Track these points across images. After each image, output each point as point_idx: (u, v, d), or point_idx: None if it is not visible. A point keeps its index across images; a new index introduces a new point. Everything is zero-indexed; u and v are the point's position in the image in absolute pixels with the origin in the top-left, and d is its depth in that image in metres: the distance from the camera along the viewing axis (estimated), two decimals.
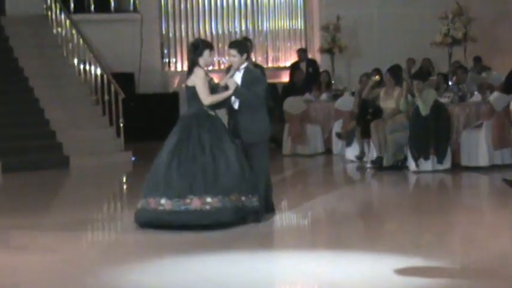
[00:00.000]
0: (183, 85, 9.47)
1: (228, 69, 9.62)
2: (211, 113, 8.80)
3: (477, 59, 17.81)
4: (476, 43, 15.85)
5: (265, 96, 9.15)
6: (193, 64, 8.88)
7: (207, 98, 8.72)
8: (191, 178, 8.46)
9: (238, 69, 9.02)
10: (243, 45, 9.19)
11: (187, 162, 8.52)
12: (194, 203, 8.39)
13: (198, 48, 8.88)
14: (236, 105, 8.97)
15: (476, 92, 13.18)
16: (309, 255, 7.75)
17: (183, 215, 8.40)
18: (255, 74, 9.16)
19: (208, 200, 8.41)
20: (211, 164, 8.50)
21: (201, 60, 8.83)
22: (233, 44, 9.23)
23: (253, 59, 10.56)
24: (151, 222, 8.59)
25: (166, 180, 8.52)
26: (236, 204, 8.46)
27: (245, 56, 9.01)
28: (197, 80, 8.75)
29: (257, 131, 8.95)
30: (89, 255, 7.98)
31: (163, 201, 8.46)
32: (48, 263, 7.57)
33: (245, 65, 9.03)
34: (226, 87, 8.91)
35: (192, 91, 8.83)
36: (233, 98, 8.92)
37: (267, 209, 9.00)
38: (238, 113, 8.97)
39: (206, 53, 8.84)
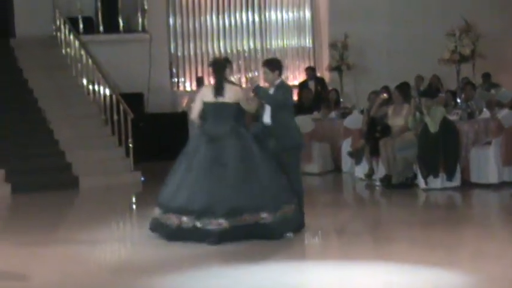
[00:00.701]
0: (206, 100, 9.25)
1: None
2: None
3: (486, 76, 17.79)
4: (485, 60, 15.84)
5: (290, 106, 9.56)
6: (222, 81, 9.11)
7: (255, 107, 9.18)
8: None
9: (271, 85, 9.32)
10: (274, 63, 9.50)
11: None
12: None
13: (224, 64, 9.22)
14: (267, 119, 9.31)
15: (485, 109, 13.17)
16: (319, 272, 7.74)
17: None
18: (285, 85, 9.52)
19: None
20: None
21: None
22: (265, 62, 9.57)
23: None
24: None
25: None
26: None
27: (277, 72, 9.31)
28: (241, 94, 9.07)
29: (290, 137, 9.31)
30: (100, 275, 7.97)
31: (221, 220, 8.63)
32: (55, 284, 7.57)
33: (278, 81, 9.33)
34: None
35: (228, 107, 8.99)
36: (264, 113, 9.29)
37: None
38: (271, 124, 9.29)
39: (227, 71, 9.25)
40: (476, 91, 15.09)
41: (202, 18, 19.21)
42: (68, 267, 8.26)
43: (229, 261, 8.09)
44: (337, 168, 14.91)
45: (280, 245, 8.75)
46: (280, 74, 9.40)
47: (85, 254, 8.96)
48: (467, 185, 12.28)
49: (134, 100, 16.74)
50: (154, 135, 16.94)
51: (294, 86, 18.72)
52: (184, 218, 8.68)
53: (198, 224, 8.62)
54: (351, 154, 14.09)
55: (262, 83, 9.96)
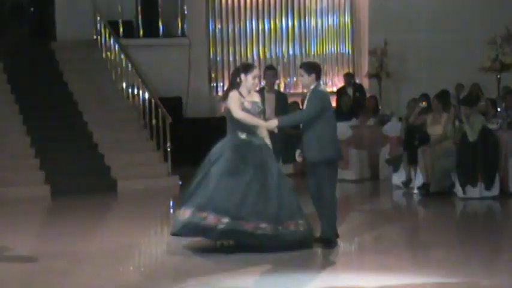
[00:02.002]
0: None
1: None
2: (243, 137, 8.85)
3: None
4: None
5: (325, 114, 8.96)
6: (228, 88, 9.09)
7: (238, 112, 8.76)
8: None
9: (307, 89, 9.10)
10: (311, 65, 9.14)
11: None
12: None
13: (237, 70, 9.04)
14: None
15: None
16: (357, 281, 7.72)
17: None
18: (316, 93, 8.96)
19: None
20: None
21: (243, 85, 8.84)
22: (302, 64, 9.29)
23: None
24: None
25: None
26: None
27: (313, 76, 8.92)
28: (229, 100, 8.86)
29: (317, 149, 8.88)
30: (136, 279, 8.00)
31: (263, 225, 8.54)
32: (93, 287, 7.62)
33: (314, 85, 8.94)
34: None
35: (227, 114, 9.00)
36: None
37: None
38: (303, 132, 9.03)
39: (241, 77, 8.84)
40: None
41: (242, 24, 19.23)
42: (105, 271, 8.32)
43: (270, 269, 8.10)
44: (375, 176, 14.85)
45: (315, 253, 8.74)
46: (317, 78, 8.95)
47: (123, 257, 9.02)
48: (506, 195, 12.17)
49: (173, 104, 16.80)
50: (192, 140, 16.95)
51: (332, 93, 18.75)
52: (263, 225, 8.57)
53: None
54: (388, 161, 14.03)
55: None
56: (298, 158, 9.03)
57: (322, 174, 8.87)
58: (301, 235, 8.68)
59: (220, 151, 8.90)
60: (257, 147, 8.77)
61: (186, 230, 8.66)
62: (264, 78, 11.13)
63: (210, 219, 8.49)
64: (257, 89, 9.33)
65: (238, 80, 8.88)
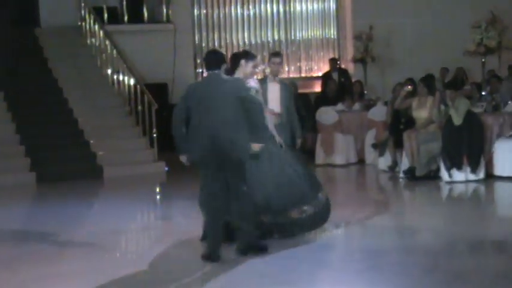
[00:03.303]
0: None
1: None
2: None
3: None
4: (511, 52, 15.73)
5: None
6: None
7: None
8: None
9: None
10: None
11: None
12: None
13: (231, 61, 8.75)
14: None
15: (510, 102, 13.08)
16: (343, 267, 7.74)
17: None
18: None
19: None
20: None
21: (239, 71, 8.63)
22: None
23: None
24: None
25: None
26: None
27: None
28: None
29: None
30: (123, 265, 8.01)
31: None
32: (80, 272, 7.62)
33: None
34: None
35: None
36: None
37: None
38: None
39: (241, 62, 8.58)
40: (502, 83, 14.99)
41: (227, 9, 19.21)
42: (92, 257, 8.31)
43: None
44: (361, 160, 14.90)
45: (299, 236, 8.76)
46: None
47: (109, 243, 9.02)
48: (491, 178, 12.22)
49: (159, 90, 16.78)
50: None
51: (318, 77, 18.76)
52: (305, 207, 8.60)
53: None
54: (374, 146, 14.06)
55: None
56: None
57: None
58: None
59: None
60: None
61: None
62: (269, 65, 10.19)
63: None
64: (255, 78, 9.03)
65: (233, 66, 8.66)
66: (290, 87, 10.32)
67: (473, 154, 12.11)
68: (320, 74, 18.95)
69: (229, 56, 9.18)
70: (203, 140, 7.72)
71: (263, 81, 9.77)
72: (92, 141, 14.75)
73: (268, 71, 10.23)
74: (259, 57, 9.22)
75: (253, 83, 8.76)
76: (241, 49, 18.68)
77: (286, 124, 9.68)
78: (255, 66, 8.71)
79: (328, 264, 7.90)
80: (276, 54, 10.25)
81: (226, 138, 7.64)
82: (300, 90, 16.52)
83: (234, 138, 7.65)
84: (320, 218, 8.74)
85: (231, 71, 8.69)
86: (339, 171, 14.37)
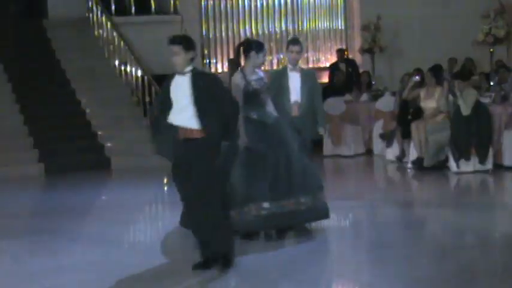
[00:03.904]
0: None
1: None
2: (255, 117, 8.50)
3: None
4: None
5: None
6: (232, 67, 8.79)
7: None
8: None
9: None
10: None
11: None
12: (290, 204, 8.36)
13: (240, 49, 8.61)
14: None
15: None
16: (350, 256, 7.74)
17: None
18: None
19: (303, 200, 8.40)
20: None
21: (248, 62, 8.52)
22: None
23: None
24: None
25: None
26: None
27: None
28: (233, 81, 8.58)
29: None
30: (133, 256, 8.02)
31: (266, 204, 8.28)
32: (89, 263, 7.63)
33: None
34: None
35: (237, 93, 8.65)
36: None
37: None
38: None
39: (252, 54, 8.48)
40: (510, 74, 14.94)
41: (234, 0, 19.17)
42: (101, 247, 8.33)
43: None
44: (369, 151, 14.88)
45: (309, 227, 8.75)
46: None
47: (118, 234, 9.03)
48: (499, 168, 12.20)
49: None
50: None
51: (325, 68, 18.71)
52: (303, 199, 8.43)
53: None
54: (382, 136, 14.04)
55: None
56: None
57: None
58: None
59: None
60: (271, 127, 8.46)
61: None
62: (287, 54, 9.51)
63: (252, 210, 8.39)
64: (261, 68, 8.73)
65: (244, 56, 8.55)
66: (313, 76, 9.63)
67: (481, 144, 12.09)
68: (327, 64, 18.91)
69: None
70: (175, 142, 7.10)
71: (283, 71, 9.41)
72: (99, 133, 14.77)
73: (286, 59, 9.56)
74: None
75: (261, 73, 8.72)
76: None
77: (307, 115, 9.24)
78: (265, 55, 8.65)
79: (335, 255, 7.90)
80: (295, 41, 9.44)
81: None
82: None
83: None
84: (315, 215, 8.54)
85: (237, 61, 8.64)
86: (347, 162, 14.35)
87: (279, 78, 9.28)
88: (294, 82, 9.26)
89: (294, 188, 8.32)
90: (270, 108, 8.58)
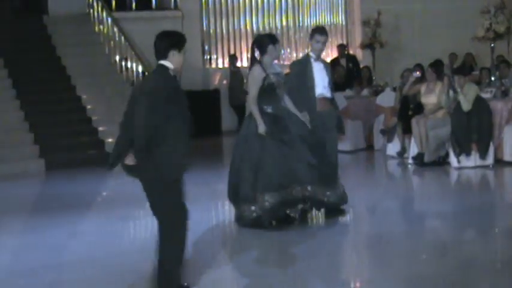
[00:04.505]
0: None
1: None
2: (269, 110, 8.50)
3: None
4: None
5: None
6: (251, 62, 8.65)
7: (254, 97, 8.44)
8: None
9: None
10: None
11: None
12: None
13: (258, 46, 8.57)
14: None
15: None
16: (349, 252, 7.75)
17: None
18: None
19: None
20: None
21: (267, 56, 8.46)
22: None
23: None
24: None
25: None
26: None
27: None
28: (250, 75, 8.55)
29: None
30: (134, 250, 8.02)
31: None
32: (93, 259, 7.63)
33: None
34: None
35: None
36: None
37: None
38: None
39: (270, 47, 8.44)
40: (510, 69, 14.93)
41: None
42: (102, 243, 8.33)
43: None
44: (370, 146, 14.88)
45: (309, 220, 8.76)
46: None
47: (119, 230, 9.04)
48: (500, 164, 12.19)
49: None
50: None
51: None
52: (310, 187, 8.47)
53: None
54: (383, 132, 14.04)
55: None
56: None
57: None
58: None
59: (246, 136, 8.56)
60: (285, 121, 8.45)
61: (242, 224, 8.51)
62: (311, 43, 9.13)
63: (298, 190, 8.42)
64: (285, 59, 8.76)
65: (261, 52, 8.51)
66: (330, 67, 9.53)
67: (482, 140, 12.08)
68: (328, 60, 18.90)
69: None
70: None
71: (306, 61, 9.03)
72: (100, 128, 14.77)
73: (310, 49, 9.19)
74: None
75: (279, 68, 8.69)
76: (249, 36, 18.68)
77: (336, 108, 9.16)
78: (280, 47, 8.58)
79: (334, 251, 7.90)
80: (322, 31, 9.11)
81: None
82: None
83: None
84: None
85: (252, 57, 8.57)
86: (348, 157, 14.33)
87: (302, 70, 8.95)
88: (320, 74, 8.99)
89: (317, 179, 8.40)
90: (286, 103, 8.57)
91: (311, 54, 9.06)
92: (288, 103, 8.59)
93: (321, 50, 9.02)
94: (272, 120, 8.44)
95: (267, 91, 8.46)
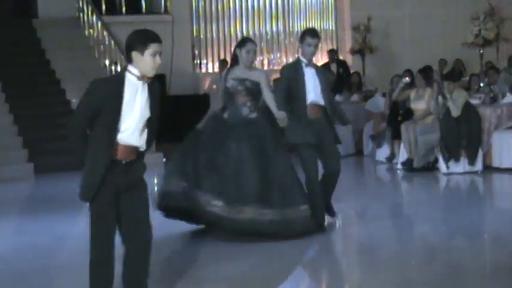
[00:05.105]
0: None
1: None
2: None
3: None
4: (509, 43, 15.74)
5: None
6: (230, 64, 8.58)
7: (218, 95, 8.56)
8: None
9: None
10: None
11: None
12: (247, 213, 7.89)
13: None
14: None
15: (508, 93, 13.07)
16: (337, 258, 7.75)
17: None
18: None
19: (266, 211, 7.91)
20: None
21: (240, 61, 8.32)
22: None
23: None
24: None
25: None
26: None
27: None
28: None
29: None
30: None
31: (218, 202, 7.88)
32: (80, 265, 7.62)
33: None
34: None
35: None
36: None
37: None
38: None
39: (237, 52, 8.35)
40: (500, 75, 14.99)
41: (225, 0, 19.17)
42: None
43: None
44: (359, 151, 14.90)
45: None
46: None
47: None
48: (489, 170, 12.22)
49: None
50: (176, 117, 16.94)
51: None
52: (216, 202, 7.91)
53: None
54: (373, 137, 14.06)
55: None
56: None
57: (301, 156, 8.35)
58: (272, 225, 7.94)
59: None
60: (236, 128, 8.25)
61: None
62: (301, 47, 8.50)
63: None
64: (248, 63, 8.21)
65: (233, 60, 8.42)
66: (325, 72, 8.84)
67: (471, 146, 12.12)
68: (318, 65, 18.91)
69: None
70: None
71: (297, 66, 8.38)
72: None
73: (301, 53, 8.54)
74: (251, 42, 8.41)
75: (252, 73, 8.35)
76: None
77: (331, 117, 8.53)
78: (248, 52, 8.22)
79: (323, 257, 7.89)
80: (314, 33, 8.52)
81: None
82: None
83: None
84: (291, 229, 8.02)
85: (232, 59, 8.50)
86: None
87: (293, 75, 8.34)
88: (312, 79, 8.33)
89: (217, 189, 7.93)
90: (246, 111, 8.28)
91: (302, 59, 8.44)
92: (268, 99, 8.18)
93: (313, 54, 8.40)
94: (213, 125, 8.42)
95: (226, 95, 8.40)
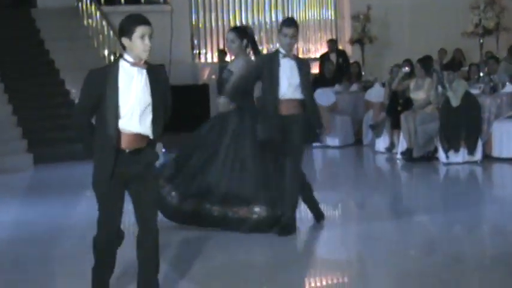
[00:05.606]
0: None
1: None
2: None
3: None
4: (509, 33, 15.70)
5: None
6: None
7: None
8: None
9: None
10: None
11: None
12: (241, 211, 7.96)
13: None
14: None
15: (508, 83, 13.06)
16: (338, 249, 7.74)
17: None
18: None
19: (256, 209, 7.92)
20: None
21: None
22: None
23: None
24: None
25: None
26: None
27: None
28: None
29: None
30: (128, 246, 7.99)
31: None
32: (80, 254, 7.61)
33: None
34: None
35: None
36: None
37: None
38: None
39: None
40: (500, 64, 14.97)
41: None
42: (89, 239, 8.29)
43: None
44: (358, 141, 14.89)
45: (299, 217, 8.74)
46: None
47: None
48: (489, 159, 12.22)
49: None
50: (175, 107, 16.88)
51: (316, 59, 18.72)
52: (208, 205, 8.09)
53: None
54: (372, 127, 14.05)
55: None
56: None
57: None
58: (255, 222, 7.93)
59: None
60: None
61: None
62: (279, 38, 7.87)
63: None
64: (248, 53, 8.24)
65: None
66: (308, 66, 8.02)
67: (470, 135, 12.11)
68: (318, 55, 18.90)
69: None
70: None
71: (273, 57, 7.78)
72: None
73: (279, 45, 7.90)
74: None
75: (235, 64, 8.34)
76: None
77: (309, 114, 7.81)
78: (233, 42, 8.21)
79: (322, 248, 7.89)
80: (290, 23, 7.83)
81: None
82: None
83: None
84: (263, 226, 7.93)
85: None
86: (336, 152, 14.36)
87: (268, 65, 7.71)
88: (287, 72, 7.68)
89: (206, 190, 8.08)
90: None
91: (280, 50, 7.75)
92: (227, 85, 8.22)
93: (291, 45, 7.71)
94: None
95: (220, 86, 8.48)
